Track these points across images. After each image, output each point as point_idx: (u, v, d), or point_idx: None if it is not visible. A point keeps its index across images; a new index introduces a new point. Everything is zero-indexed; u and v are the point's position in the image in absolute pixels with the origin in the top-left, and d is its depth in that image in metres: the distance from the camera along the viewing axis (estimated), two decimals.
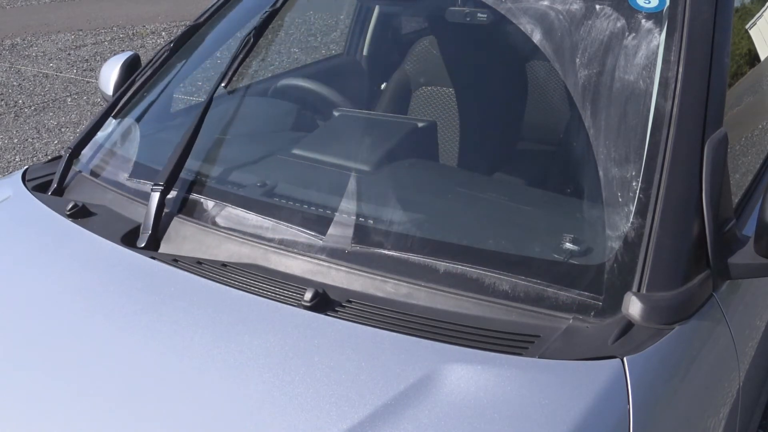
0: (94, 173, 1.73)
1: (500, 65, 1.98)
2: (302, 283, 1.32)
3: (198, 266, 1.38)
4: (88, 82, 6.35)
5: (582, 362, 1.10)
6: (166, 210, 1.51)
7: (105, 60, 6.17)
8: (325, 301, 1.26)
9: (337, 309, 1.25)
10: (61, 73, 6.65)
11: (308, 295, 1.25)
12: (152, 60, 1.97)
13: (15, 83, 6.36)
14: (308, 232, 1.40)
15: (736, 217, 1.38)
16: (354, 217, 1.40)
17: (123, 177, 1.67)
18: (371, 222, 1.39)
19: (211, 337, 1.17)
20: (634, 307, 1.18)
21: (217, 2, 2.10)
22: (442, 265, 1.29)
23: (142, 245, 1.45)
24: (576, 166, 1.48)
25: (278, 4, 1.83)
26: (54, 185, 1.71)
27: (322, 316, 1.22)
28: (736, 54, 1.64)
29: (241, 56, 1.75)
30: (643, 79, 1.41)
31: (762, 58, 1.84)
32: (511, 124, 1.96)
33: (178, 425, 1.03)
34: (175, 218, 1.50)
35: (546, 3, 1.60)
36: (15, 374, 1.15)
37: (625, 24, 1.49)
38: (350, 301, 1.27)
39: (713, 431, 1.22)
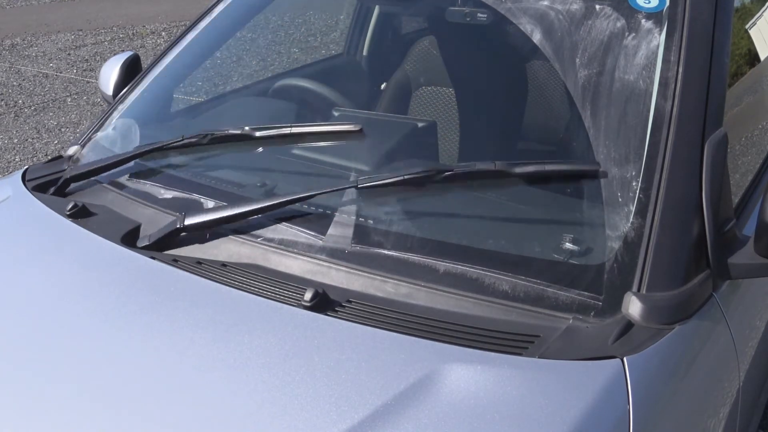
0: (94, 173, 1.73)
1: (500, 65, 1.98)
2: (302, 283, 1.32)
3: (198, 266, 1.38)
4: (88, 82, 6.35)
5: (582, 362, 1.10)
6: (166, 210, 1.51)
7: (105, 60, 6.17)
8: (325, 301, 1.26)
9: (337, 309, 1.25)
10: (61, 73, 6.65)
11: (308, 295, 1.25)
12: (153, 61, 1.98)
13: (15, 83, 6.36)
14: (308, 232, 1.40)
15: (736, 217, 1.38)
16: (354, 217, 1.40)
17: (123, 177, 1.67)
18: (371, 222, 1.39)
19: (211, 337, 1.17)
20: (634, 307, 1.18)
21: (217, 2, 2.10)
22: (442, 265, 1.29)
23: (143, 245, 1.45)
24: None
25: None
26: (54, 185, 1.71)
27: (322, 316, 1.22)
28: (736, 54, 1.64)
29: None
30: (643, 79, 1.41)
31: (762, 58, 1.84)
32: (511, 124, 1.96)
33: (178, 425, 1.03)
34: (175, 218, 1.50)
35: (546, 3, 1.60)
36: (15, 374, 1.15)
37: (625, 24, 1.49)
38: (350, 301, 1.27)
39: (713, 431, 1.22)
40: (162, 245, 1.44)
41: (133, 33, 8.15)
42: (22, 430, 1.05)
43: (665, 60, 1.40)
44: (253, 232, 1.43)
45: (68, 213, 1.55)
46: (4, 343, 1.22)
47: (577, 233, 1.31)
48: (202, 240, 1.45)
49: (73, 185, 1.72)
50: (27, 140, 5.03)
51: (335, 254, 1.36)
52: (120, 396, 1.08)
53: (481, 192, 1.56)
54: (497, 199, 1.53)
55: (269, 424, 1.01)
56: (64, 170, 1.75)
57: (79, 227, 1.50)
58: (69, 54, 7.29)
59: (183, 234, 1.44)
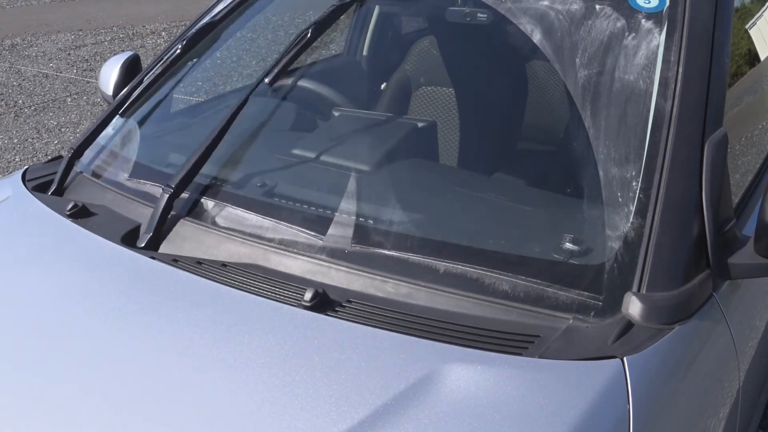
0: (94, 173, 1.73)
1: (500, 65, 1.98)
2: (302, 283, 1.32)
3: (198, 266, 1.38)
4: (88, 82, 6.35)
5: (582, 362, 1.10)
6: (170, 212, 1.51)
7: (105, 60, 6.17)
8: (325, 301, 1.26)
9: (337, 309, 1.25)
10: (61, 73, 6.65)
11: (308, 295, 1.25)
12: (153, 61, 1.98)
13: (15, 83, 6.36)
14: (308, 232, 1.40)
15: (736, 217, 1.38)
16: (354, 217, 1.40)
17: (123, 177, 1.67)
18: (371, 222, 1.39)
19: (211, 337, 1.17)
20: (634, 307, 1.18)
21: (217, 2, 2.10)
22: (442, 265, 1.29)
23: (142, 245, 1.45)
24: (576, 166, 1.48)
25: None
26: (54, 185, 1.71)
27: (322, 316, 1.22)
28: (736, 54, 1.64)
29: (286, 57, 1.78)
30: (643, 79, 1.41)
31: (762, 58, 1.84)
32: (511, 124, 1.95)
33: (178, 425, 1.03)
34: (175, 218, 1.50)
35: (546, 3, 1.60)
36: (15, 374, 1.15)
37: (625, 24, 1.49)
38: (350, 301, 1.27)
39: (713, 431, 1.22)
40: (162, 223, 1.46)
41: (133, 33, 8.15)
42: (22, 430, 1.05)
43: (665, 60, 1.40)
44: (253, 232, 1.43)
45: (68, 213, 1.55)
46: (4, 343, 1.22)
47: (577, 233, 1.31)
48: (202, 240, 1.45)
49: (73, 185, 1.72)
50: (27, 140, 5.03)
51: (335, 254, 1.36)
52: (120, 396, 1.08)
53: (481, 192, 1.56)
54: (498, 199, 1.53)
55: (269, 424, 1.01)
56: (65, 170, 1.75)
57: (79, 227, 1.50)
58: (69, 54, 7.29)
59: (179, 200, 1.46)
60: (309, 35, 1.78)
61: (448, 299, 1.26)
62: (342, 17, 1.89)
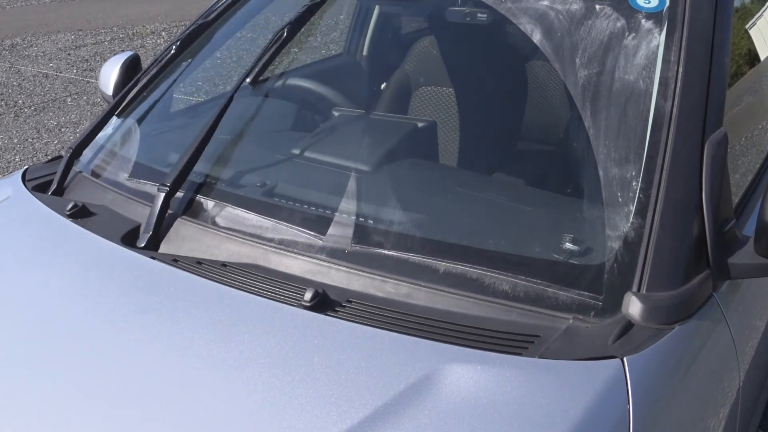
0: (94, 173, 1.73)
1: (500, 65, 1.98)
2: (302, 283, 1.32)
3: (198, 266, 1.38)
4: (88, 82, 6.35)
5: (582, 362, 1.10)
6: (168, 210, 1.51)
7: (105, 60, 6.17)
8: (325, 301, 1.26)
9: (337, 309, 1.25)
10: (61, 73, 6.65)
11: (308, 295, 1.25)
12: (153, 61, 1.98)
13: (15, 83, 6.36)
14: (308, 232, 1.40)
15: (736, 217, 1.38)
16: (354, 217, 1.40)
17: (123, 177, 1.67)
18: (371, 222, 1.39)
19: (211, 337, 1.17)
20: (634, 307, 1.18)
21: (217, 2, 2.10)
22: (442, 265, 1.29)
23: (142, 245, 1.45)
24: (576, 166, 1.48)
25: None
26: (54, 185, 1.71)
27: (322, 316, 1.22)
28: (736, 54, 1.64)
29: (267, 55, 1.78)
30: (643, 79, 1.41)
31: (762, 58, 1.84)
32: (511, 124, 1.96)
33: (178, 425, 1.03)
34: (174, 217, 1.50)
35: (546, 3, 1.60)
36: (15, 374, 1.15)
37: (625, 24, 1.49)
38: (350, 301, 1.27)
39: (713, 431, 1.22)
40: (160, 222, 1.46)
41: (133, 33, 8.15)
42: (21, 430, 1.05)
43: (665, 60, 1.40)
44: (253, 232, 1.43)
45: (68, 213, 1.55)
46: (4, 343, 1.22)
47: (577, 233, 1.31)
48: (202, 240, 1.45)
49: (73, 185, 1.72)
50: (27, 140, 5.03)
51: (335, 254, 1.36)
52: (120, 396, 1.08)
53: (481, 192, 1.56)
54: (498, 199, 1.53)
55: (269, 424, 1.01)
56: (65, 170, 1.75)
57: (79, 227, 1.51)
58: (69, 54, 7.29)
59: (177, 199, 1.47)
60: (285, 34, 1.79)
61: (448, 299, 1.26)
62: (341, 17, 1.89)
